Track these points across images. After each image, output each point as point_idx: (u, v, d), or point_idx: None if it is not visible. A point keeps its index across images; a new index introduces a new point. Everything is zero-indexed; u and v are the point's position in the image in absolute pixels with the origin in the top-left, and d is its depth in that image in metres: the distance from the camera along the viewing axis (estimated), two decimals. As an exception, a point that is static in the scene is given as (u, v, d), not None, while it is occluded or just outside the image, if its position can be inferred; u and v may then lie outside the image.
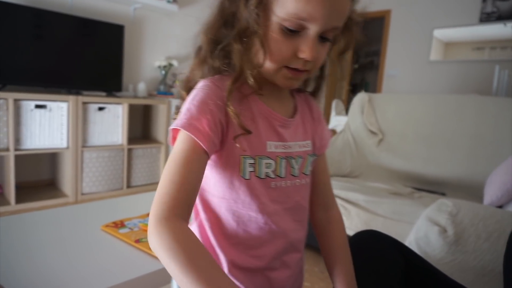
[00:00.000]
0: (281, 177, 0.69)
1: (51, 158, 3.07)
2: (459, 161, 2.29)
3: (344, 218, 2.02)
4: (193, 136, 0.58)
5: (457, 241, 1.27)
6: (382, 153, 2.60)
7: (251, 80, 0.62)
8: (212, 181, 0.67)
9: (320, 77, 0.78)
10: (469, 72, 4.64)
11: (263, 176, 0.66)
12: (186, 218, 0.56)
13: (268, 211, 0.67)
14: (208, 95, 0.62)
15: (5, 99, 2.46)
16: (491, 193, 1.76)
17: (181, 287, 0.48)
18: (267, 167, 0.66)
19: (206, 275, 0.48)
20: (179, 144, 0.60)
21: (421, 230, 1.38)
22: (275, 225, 0.68)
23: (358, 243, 0.84)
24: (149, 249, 1.02)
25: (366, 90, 5.79)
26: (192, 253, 0.50)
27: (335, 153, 2.51)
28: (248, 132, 0.63)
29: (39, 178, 3.05)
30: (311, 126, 0.77)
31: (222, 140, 0.63)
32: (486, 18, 4.42)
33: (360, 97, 2.83)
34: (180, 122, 0.60)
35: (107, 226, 1.13)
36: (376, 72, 6.86)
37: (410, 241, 1.41)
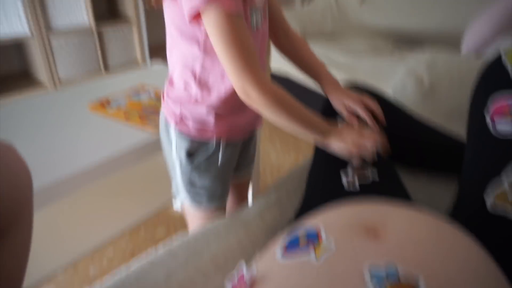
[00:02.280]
0: (257, 27, 0.71)
1: (18, 50, 2.87)
2: (440, 11, 2.24)
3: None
4: (229, 10, 0.58)
5: (432, 90, 1.34)
6: (365, 11, 2.50)
7: None
8: None
9: None
10: None
11: (254, 30, 0.70)
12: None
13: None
14: None
15: None
16: (469, 42, 1.77)
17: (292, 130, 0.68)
18: (255, 17, 0.70)
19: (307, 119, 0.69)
20: (221, 23, 0.59)
21: (398, 82, 1.44)
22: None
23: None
24: (141, 123, 1.06)
25: None
26: (291, 103, 0.67)
27: (316, 13, 2.40)
28: None
29: (9, 71, 2.91)
30: None
31: None
32: None
33: None
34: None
35: (94, 106, 1.15)
36: None
37: (388, 94, 1.48)
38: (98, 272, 1.33)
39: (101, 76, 3.03)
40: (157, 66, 1.63)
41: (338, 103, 0.84)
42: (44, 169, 0.85)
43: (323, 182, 0.74)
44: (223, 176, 0.86)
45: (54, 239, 1.44)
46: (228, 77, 0.64)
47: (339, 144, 0.71)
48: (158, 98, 1.20)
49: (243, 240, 0.73)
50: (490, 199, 0.55)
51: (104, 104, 1.16)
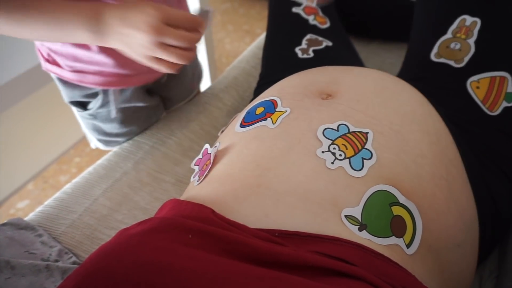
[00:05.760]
0: None
1: None
2: None
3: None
4: None
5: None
6: None
7: None
8: None
9: None
10: None
11: None
12: None
13: None
14: None
15: None
16: None
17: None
18: None
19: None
20: None
21: None
22: None
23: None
24: None
25: None
26: None
27: None
28: None
29: None
30: None
31: None
32: None
33: None
34: None
35: None
36: None
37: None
38: (69, 179, 1.35)
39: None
40: None
41: None
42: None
43: (278, 54, 0.73)
44: (139, 119, 0.69)
45: (16, 155, 1.40)
46: None
47: (125, 49, 0.45)
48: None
49: (204, 123, 0.75)
50: (435, 49, 0.57)
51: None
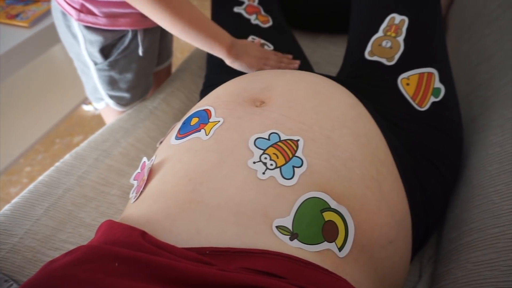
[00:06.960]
0: None
1: None
2: None
3: None
4: None
5: None
6: None
7: None
8: None
9: None
10: None
11: None
12: None
13: None
14: None
15: None
16: None
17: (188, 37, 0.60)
18: None
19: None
20: None
21: None
22: None
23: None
24: (7, 19, 0.90)
25: None
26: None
27: None
28: None
29: None
30: None
31: None
32: None
33: None
34: None
35: None
36: None
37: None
38: (20, 190, 1.29)
39: None
40: None
41: None
42: None
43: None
44: (146, 68, 0.78)
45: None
46: None
47: (245, 59, 0.64)
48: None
49: (151, 129, 0.73)
50: (368, 47, 0.58)
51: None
